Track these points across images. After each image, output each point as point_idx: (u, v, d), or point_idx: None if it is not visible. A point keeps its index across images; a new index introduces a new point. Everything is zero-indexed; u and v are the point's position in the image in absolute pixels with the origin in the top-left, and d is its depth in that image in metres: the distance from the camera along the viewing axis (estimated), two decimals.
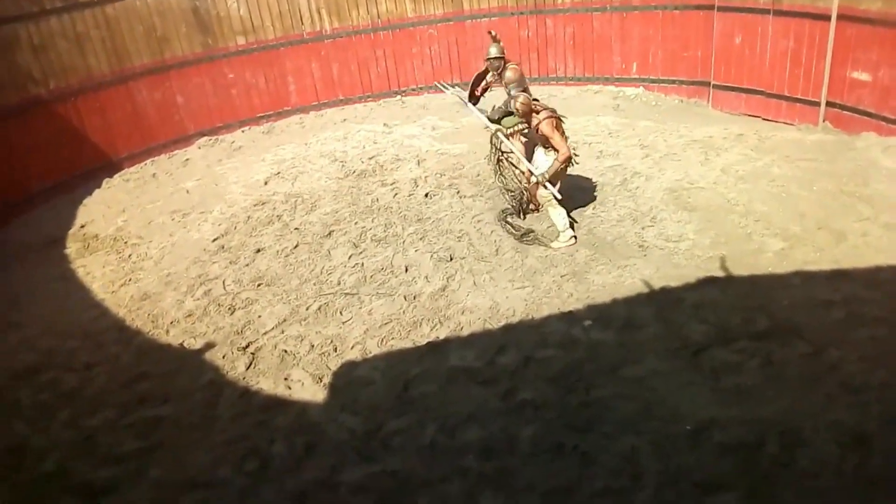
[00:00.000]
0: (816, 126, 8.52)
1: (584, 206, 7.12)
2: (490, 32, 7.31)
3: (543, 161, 6.51)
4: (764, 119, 9.03)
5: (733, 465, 3.92)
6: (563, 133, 6.41)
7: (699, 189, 7.15)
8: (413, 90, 11.34)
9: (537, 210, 6.90)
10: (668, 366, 4.73)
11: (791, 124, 8.74)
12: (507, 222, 6.84)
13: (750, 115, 9.19)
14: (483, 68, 7.38)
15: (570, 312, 5.44)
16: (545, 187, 6.38)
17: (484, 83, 7.48)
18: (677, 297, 5.46)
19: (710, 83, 9.65)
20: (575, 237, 6.44)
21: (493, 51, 7.12)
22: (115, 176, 9.42)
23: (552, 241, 6.46)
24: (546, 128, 6.29)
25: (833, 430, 4.03)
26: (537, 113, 6.38)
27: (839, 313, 5.02)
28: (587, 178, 7.66)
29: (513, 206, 7.03)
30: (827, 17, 8.11)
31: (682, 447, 4.07)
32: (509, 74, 6.98)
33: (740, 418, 4.21)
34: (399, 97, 11.33)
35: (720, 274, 5.71)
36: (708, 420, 4.23)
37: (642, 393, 4.52)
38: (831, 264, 5.64)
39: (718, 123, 8.98)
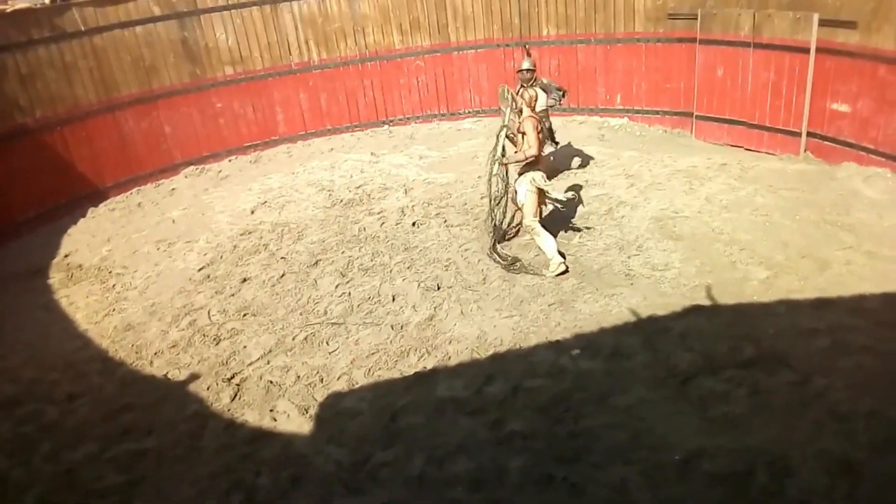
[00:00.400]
0: (798, 156, 8.65)
1: (570, 235, 7.15)
2: (524, 46, 8.00)
3: (522, 191, 6.54)
4: (746, 149, 9.17)
5: (723, 494, 3.91)
6: (539, 138, 6.37)
7: (684, 218, 7.22)
8: (400, 120, 11.43)
9: (515, 235, 7.08)
10: (656, 395, 4.73)
11: (773, 154, 8.88)
12: (495, 252, 6.84)
13: (732, 146, 9.32)
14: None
15: (558, 341, 5.44)
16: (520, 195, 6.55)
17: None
18: (664, 326, 5.47)
19: (693, 114, 9.80)
20: (565, 264, 6.41)
21: (526, 63, 7.71)
22: (101, 205, 9.37)
23: (544, 270, 6.45)
24: (527, 124, 6.31)
25: (821, 459, 4.04)
26: (528, 110, 6.43)
27: (824, 341, 5.06)
28: (573, 208, 7.71)
29: (494, 231, 6.97)
30: (806, 50, 8.29)
31: (672, 477, 4.05)
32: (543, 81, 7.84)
33: (729, 447, 4.20)
34: (386, 127, 11.40)
35: (706, 302, 5.74)
36: (697, 449, 4.22)
37: (631, 422, 4.51)
38: (816, 292, 5.69)
39: (702, 153, 9.10)
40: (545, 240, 6.47)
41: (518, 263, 6.64)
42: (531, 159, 6.36)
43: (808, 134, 8.61)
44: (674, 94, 10.04)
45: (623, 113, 10.61)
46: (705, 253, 6.50)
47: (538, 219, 6.53)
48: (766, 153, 8.95)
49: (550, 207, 7.20)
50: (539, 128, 6.40)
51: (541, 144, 6.40)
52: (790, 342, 5.09)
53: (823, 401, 4.49)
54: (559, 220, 7.36)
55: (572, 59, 10.66)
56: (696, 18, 9.31)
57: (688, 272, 6.21)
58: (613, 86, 10.57)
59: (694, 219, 7.18)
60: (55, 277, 7.55)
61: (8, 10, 8.75)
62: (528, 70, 7.68)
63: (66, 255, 8.06)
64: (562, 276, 6.36)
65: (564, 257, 6.54)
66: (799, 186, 7.70)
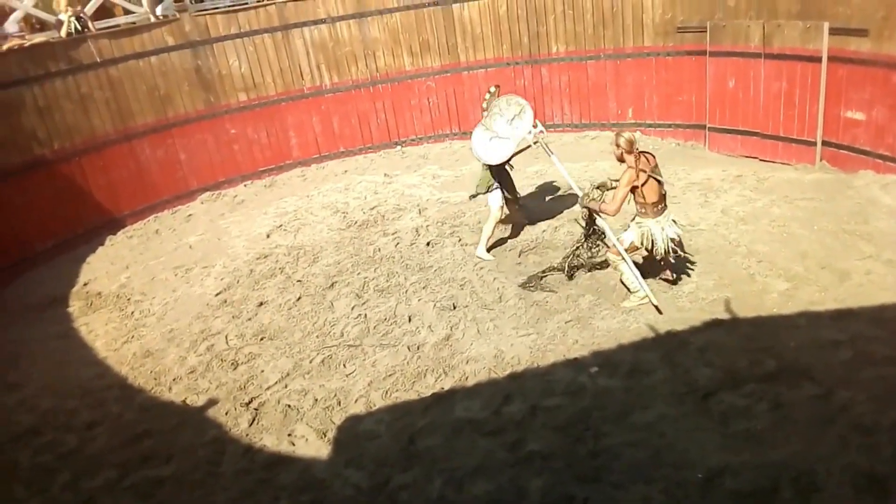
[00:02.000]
0: (814, 165, 8.58)
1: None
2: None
3: (628, 234, 5.99)
4: (761, 160, 9.10)
5: None
6: (622, 200, 5.74)
7: (700, 231, 7.16)
8: (413, 140, 11.48)
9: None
10: (677, 411, 4.66)
11: (788, 164, 8.80)
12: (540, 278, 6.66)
13: (747, 157, 9.26)
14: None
15: (576, 359, 5.39)
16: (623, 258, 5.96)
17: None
18: (683, 341, 5.41)
19: (705, 126, 9.76)
20: (649, 296, 5.85)
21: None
22: (119, 233, 9.48)
23: (623, 301, 6.04)
24: (623, 177, 5.72)
25: (847, 473, 3.94)
26: (630, 160, 5.75)
27: (847, 353, 4.97)
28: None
29: (563, 267, 6.61)
30: (818, 59, 8.25)
31: (695, 495, 3.98)
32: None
33: (752, 464, 4.12)
34: (399, 148, 11.46)
35: (725, 316, 5.67)
36: (719, 466, 4.14)
37: (651, 440, 4.44)
38: (836, 304, 5.61)
39: (716, 165, 9.05)
40: (629, 274, 5.93)
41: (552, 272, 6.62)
42: (606, 212, 5.88)
43: (824, 143, 8.53)
44: (685, 106, 10.02)
45: (635, 127, 10.57)
46: (723, 266, 6.43)
47: (624, 258, 5.95)
48: (782, 163, 8.87)
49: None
50: (625, 195, 5.72)
51: (619, 207, 5.78)
52: (812, 355, 5.00)
53: (847, 414, 4.40)
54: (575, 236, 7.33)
55: (582, 75, 10.69)
56: (705, 31, 9.30)
57: (706, 286, 6.15)
58: (625, 100, 10.57)
59: (710, 231, 7.12)
60: (75, 306, 7.62)
61: (26, 45, 8.94)
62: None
63: (85, 284, 8.14)
64: (577, 292, 6.31)
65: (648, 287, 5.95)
66: (816, 196, 7.62)
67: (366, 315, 6.49)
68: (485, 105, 7.10)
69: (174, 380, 5.95)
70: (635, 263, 6.02)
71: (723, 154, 9.53)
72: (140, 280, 8.01)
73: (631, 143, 5.70)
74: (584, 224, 6.56)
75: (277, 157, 10.96)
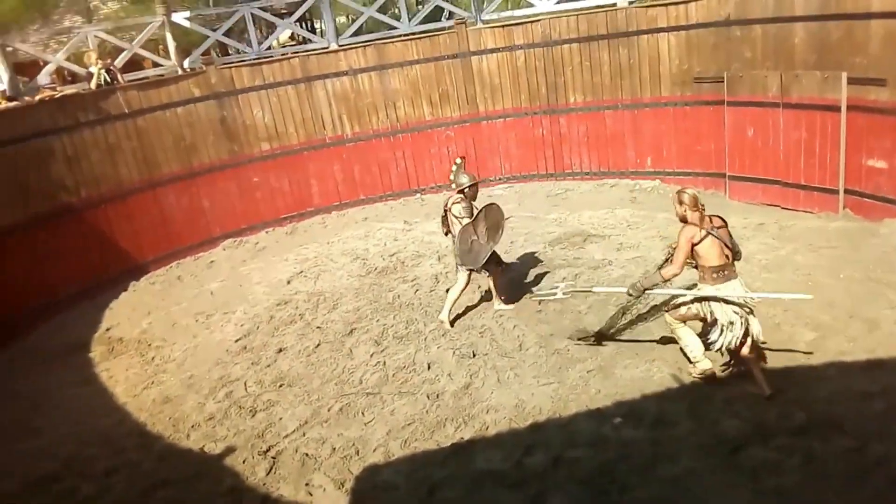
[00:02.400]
0: (837, 214, 8.50)
1: (606, 299, 7.05)
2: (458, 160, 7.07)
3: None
4: (783, 208, 9.04)
5: None
6: (686, 252, 5.11)
7: None
8: (432, 188, 11.58)
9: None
10: (704, 465, 4.53)
11: (811, 213, 8.74)
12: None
13: (768, 205, 9.21)
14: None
15: (599, 409, 5.28)
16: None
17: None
18: (708, 392, 5.29)
19: (725, 174, 9.76)
20: (713, 369, 5.33)
21: (465, 178, 6.85)
22: (142, 279, 9.57)
23: (689, 368, 5.49)
24: (681, 236, 5.13)
25: None
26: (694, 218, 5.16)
27: (880, 405, 4.82)
28: (608, 271, 7.63)
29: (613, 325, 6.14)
30: (837, 108, 8.26)
31: None
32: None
33: None
34: (419, 195, 11.56)
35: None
36: None
37: (678, 495, 4.31)
38: (866, 354, 5.48)
39: (737, 213, 8.99)
40: (687, 340, 5.40)
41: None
42: (667, 276, 5.21)
43: (846, 191, 8.48)
44: (704, 155, 10.04)
45: (654, 175, 10.61)
46: None
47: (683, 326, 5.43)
48: (804, 212, 8.81)
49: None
50: (686, 255, 5.11)
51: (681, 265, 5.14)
52: (843, 406, 4.86)
53: (882, 468, 4.25)
54: (596, 283, 7.28)
55: (601, 124, 10.78)
56: (723, 81, 9.38)
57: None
58: (643, 149, 10.62)
59: None
60: (96, 351, 7.66)
61: (56, 96, 9.21)
62: (471, 185, 6.86)
63: (107, 329, 8.19)
64: (600, 343, 6.20)
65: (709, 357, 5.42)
66: (840, 244, 7.53)
67: (384, 362, 6.45)
68: (452, 177, 6.97)
69: (192, 427, 5.92)
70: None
71: (743, 202, 9.49)
72: (161, 326, 8.04)
73: (696, 199, 5.11)
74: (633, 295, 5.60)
75: (299, 204, 11.10)
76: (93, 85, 9.61)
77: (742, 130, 9.38)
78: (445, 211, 6.96)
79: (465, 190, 6.86)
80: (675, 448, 4.73)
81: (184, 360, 7.16)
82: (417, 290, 7.90)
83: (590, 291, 5.87)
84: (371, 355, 6.59)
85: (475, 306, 7.30)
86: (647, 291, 5.36)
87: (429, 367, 6.23)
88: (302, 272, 8.98)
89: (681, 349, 5.54)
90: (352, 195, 11.41)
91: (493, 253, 6.97)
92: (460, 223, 6.76)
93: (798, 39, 8.58)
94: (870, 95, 7.96)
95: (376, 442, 5.33)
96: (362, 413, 5.73)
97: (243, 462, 5.34)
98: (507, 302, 7.22)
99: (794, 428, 4.73)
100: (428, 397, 5.79)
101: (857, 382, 5.13)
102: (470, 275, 6.97)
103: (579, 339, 6.28)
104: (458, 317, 7.11)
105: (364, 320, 7.32)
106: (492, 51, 11.04)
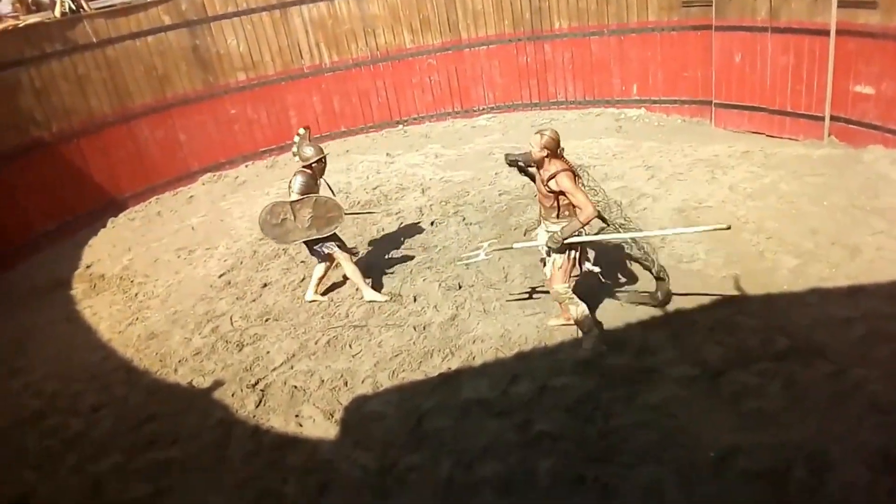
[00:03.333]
0: (822, 141, 8.47)
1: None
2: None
3: (543, 237, 5.18)
4: (768, 136, 8.99)
5: (761, 492, 3.79)
6: (584, 193, 4.87)
7: (708, 208, 7.08)
8: (415, 119, 11.36)
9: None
10: (687, 391, 4.61)
11: (796, 140, 8.70)
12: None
13: (754, 133, 9.15)
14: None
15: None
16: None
17: None
18: (692, 320, 5.35)
19: (711, 102, 9.64)
20: (603, 343, 5.18)
21: (310, 151, 6.20)
22: (121, 215, 9.41)
23: (581, 347, 5.21)
24: (566, 182, 4.80)
25: (862, 453, 3.90)
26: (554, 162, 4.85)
27: (860, 330, 4.91)
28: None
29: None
30: (826, 32, 8.10)
31: (707, 476, 3.94)
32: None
33: (765, 443, 4.08)
34: (401, 126, 11.35)
35: (734, 294, 5.61)
36: (731, 446, 4.10)
37: (662, 420, 4.40)
38: (848, 280, 5.54)
39: (723, 141, 8.94)
40: (580, 310, 5.17)
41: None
42: (590, 217, 4.88)
43: (832, 118, 8.40)
44: (691, 82, 9.88)
45: (640, 104, 10.46)
46: (731, 243, 6.36)
47: (569, 285, 5.22)
48: (789, 139, 8.76)
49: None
50: (575, 182, 4.84)
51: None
52: (825, 332, 4.94)
53: (862, 392, 4.35)
54: None
55: (586, 51, 10.54)
56: (711, 5, 9.14)
57: (714, 263, 6.08)
58: (629, 77, 10.43)
59: (718, 209, 7.04)
60: (78, 288, 7.57)
61: (20, 25, 8.80)
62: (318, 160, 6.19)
63: (88, 266, 8.09)
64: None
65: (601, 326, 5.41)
66: (825, 172, 7.53)
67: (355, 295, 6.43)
68: (294, 149, 6.30)
69: (179, 362, 5.92)
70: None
71: (729, 130, 9.42)
72: (143, 262, 7.95)
73: (557, 141, 4.82)
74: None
75: (278, 136, 10.84)
76: (57, 13, 9.17)
77: (729, 56, 9.21)
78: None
79: (314, 164, 6.18)
80: (659, 375, 4.80)
81: (167, 295, 7.11)
82: (402, 223, 7.83)
83: (510, 248, 5.78)
84: (356, 288, 6.57)
85: (461, 238, 7.25)
86: (565, 241, 4.98)
87: (415, 300, 6.23)
88: None
89: (574, 319, 5.21)
90: (332, 127, 11.16)
91: (336, 241, 6.31)
92: (289, 195, 6.10)
93: None
94: (859, 19, 7.80)
95: (364, 373, 5.36)
96: (349, 345, 5.75)
97: (232, 395, 5.36)
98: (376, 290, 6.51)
99: (775, 353, 4.81)
100: (415, 329, 5.81)
101: (839, 308, 5.21)
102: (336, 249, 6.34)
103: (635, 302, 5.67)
104: (444, 249, 7.08)
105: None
106: None
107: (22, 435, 5.27)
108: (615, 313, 5.57)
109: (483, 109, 11.38)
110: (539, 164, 4.94)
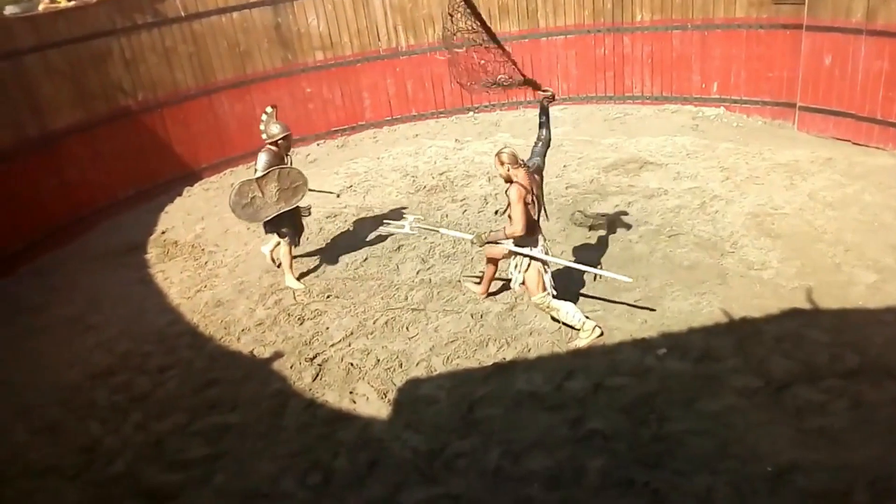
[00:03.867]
0: None
1: (658, 229, 6.89)
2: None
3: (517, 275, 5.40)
4: (854, 143, 8.57)
5: None
6: (522, 208, 5.02)
7: (784, 215, 6.83)
8: (485, 107, 11.31)
9: None
10: (748, 402, 4.48)
11: (883, 149, 8.27)
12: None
13: (839, 139, 8.74)
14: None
15: (644, 340, 5.25)
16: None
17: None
18: (758, 329, 5.19)
19: (795, 104, 9.25)
20: (599, 327, 5.35)
21: (277, 128, 6.43)
22: (196, 185, 9.73)
23: (575, 340, 5.35)
24: (512, 194, 5.04)
25: None
26: (519, 175, 5.10)
27: None
28: (663, 200, 7.43)
29: None
30: None
31: (762, 491, 3.84)
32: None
33: (826, 463, 3.94)
34: (471, 114, 11.32)
35: (806, 306, 5.40)
36: (790, 463, 3.98)
37: (719, 429, 4.30)
38: None
39: (805, 147, 8.58)
40: (565, 310, 5.31)
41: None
42: (516, 236, 5.13)
43: None
44: (776, 83, 9.50)
45: (719, 102, 10.13)
46: (806, 253, 6.12)
47: (548, 292, 5.33)
48: (877, 148, 8.34)
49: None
50: (523, 210, 5.02)
51: (527, 222, 5.06)
52: None
53: None
54: (649, 213, 7.11)
55: (667, 45, 10.26)
56: (803, 3, 8.75)
57: (786, 273, 5.87)
58: (710, 74, 10.10)
59: (795, 216, 6.78)
60: (152, 253, 7.89)
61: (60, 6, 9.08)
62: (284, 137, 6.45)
63: (163, 232, 8.41)
64: (649, 272, 6.12)
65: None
66: None
67: (430, 280, 6.48)
68: (262, 126, 6.46)
69: (243, 330, 6.10)
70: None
71: (813, 135, 9.02)
72: (214, 232, 8.21)
73: (515, 157, 5.07)
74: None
75: (351, 117, 10.99)
76: None
77: (819, 58, 8.81)
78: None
79: (279, 142, 6.39)
80: (719, 383, 4.69)
81: (235, 265, 7.33)
82: (466, 210, 7.84)
83: (436, 231, 5.96)
84: (417, 272, 6.63)
85: None
86: (487, 244, 5.37)
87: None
88: (352, 186, 8.99)
89: (563, 323, 5.37)
90: (404, 110, 11.23)
91: (293, 218, 6.54)
92: (254, 173, 6.30)
93: None
94: None
95: (419, 356, 5.42)
96: (407, 328, 5.82)
97: (291, 367, 5.51)
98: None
99: (844, 371, 4.63)
100: (472, 316, 5.82)
101: None
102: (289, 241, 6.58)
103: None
104: None
105: (411, 238, 7.31)
106: None
107: (92, 389, 5.55)
108: (679, 317, 5.45)
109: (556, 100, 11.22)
110: (507, 181, 5.17)
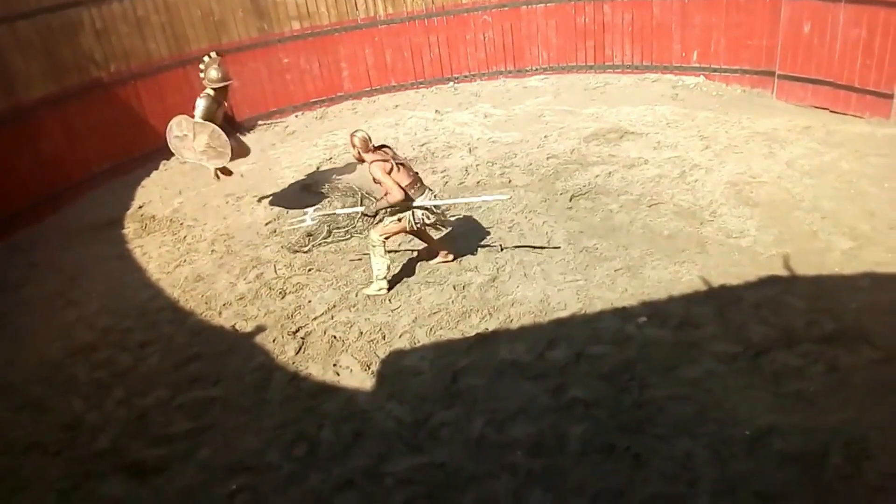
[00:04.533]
0: (888, 119, 8.10)
1: (639, 198, 6.93)
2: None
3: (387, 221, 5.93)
4: (832, 111, 8.64)
5: (794, 474, 3.76)
6: (395, 180, 5.57)
7: (762, 183, 6.89)
8: (466, 77, 11.23)
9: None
10: (727, 368, 4.56)
11: (861, 117, 8.34)
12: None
13: (817, 107, 8.80)
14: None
15: (624, 308, 5.30)
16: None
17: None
18: (737, 296, 5.26)
19: (775, 73, 9.28)
20: (388, 290, 5.87)
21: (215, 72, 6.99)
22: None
23: (365, 288, 5.96)
24: (376, 171, 5.57)
25: None
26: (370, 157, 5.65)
27: None
28: (643, 170, 7.46)
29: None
30: None
31: (740, 454, 3.92)
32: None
33: (802, 426, 4.03)
34: (452, 84, 11.23)
35: (783, 273, 5.48)
36: (767, 426, 4.06)
37: (698, 395, 4.37)
38: None
39: (783, 115, 8.64)
40: (381, 261, 5.85)
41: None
42: (398, 202, 5.62)
43: None
44: (755, 51, 9.52)
45: (699, 71, 10.14)
46: (784, 221, 6.19)
47: (384, 241, 5.86)
48: (854, 116, 8.41)
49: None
50: (388, 168, 5.55)
51: (400, 187, 5.57)
52: (874, 318, 4.81)
53: None
54: (629, 182, 7.14)
55: (647, 13, 10.21)
56: None
57: (764, 240, 5.94)
58: (690, 42, 10.09)
59: (773, 184, 6.84)
60: (130, 228, 7.79)
61: None
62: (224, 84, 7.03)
63: (140, 207, 8.30)
64: (629, 241, 6.15)
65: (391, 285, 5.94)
66: (889, 152, 7.23)
67: (412, 252, 6.48)
68: (202, 71, 6.84)
69: (224, 305, 6.07)
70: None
71: (791, 103, 9.07)
72: (192, 206, 8.12)
73: (366, 140, 5.63)
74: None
75: (329, 88, 10.86)
76: None
77: (798, 25, 8.82)
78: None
79: (217, 89, 6.74)
80: (699, 350, 4.76)
81: (214, 240, 7.26)
82: (447, 182, 7.82)
83: (334, 214, 6.63)
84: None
85: (505, 201, 7.21)
86: (378, 213, 5.85)
87: (458, 261, 6.24)
88: (331, 158, 8.92)
89: (373, 266, 5.88)
90: (383, 81, 11.11)
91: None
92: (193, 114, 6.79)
93: None
94: None
95: (402, 328, 5.43)
96: (389, 300, 5.82)
97: (273, 341, 5.50)
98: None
99: (821, 336, 4.71)
100: (454, 288, 5.84)
101: (891, 295, 5.05)
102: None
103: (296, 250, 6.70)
104: (488, 210, 7.06)
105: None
106: None
107: (73, 365, 5.51)
108: (659, 285, 5.51)
109: (536, 70, 11.17)
110: (361, 161, 5.75)
